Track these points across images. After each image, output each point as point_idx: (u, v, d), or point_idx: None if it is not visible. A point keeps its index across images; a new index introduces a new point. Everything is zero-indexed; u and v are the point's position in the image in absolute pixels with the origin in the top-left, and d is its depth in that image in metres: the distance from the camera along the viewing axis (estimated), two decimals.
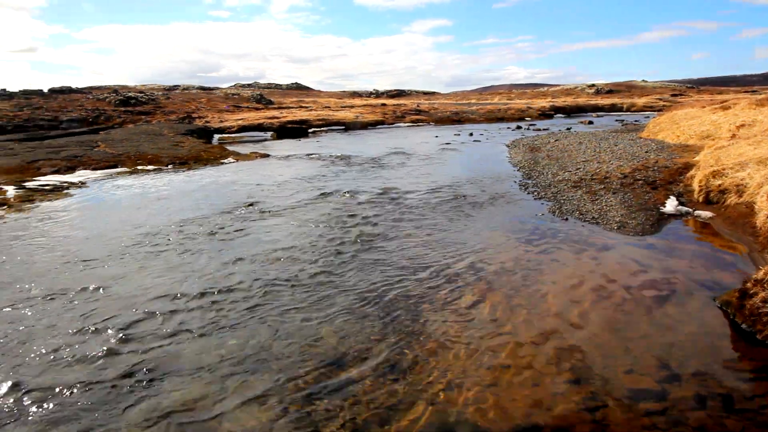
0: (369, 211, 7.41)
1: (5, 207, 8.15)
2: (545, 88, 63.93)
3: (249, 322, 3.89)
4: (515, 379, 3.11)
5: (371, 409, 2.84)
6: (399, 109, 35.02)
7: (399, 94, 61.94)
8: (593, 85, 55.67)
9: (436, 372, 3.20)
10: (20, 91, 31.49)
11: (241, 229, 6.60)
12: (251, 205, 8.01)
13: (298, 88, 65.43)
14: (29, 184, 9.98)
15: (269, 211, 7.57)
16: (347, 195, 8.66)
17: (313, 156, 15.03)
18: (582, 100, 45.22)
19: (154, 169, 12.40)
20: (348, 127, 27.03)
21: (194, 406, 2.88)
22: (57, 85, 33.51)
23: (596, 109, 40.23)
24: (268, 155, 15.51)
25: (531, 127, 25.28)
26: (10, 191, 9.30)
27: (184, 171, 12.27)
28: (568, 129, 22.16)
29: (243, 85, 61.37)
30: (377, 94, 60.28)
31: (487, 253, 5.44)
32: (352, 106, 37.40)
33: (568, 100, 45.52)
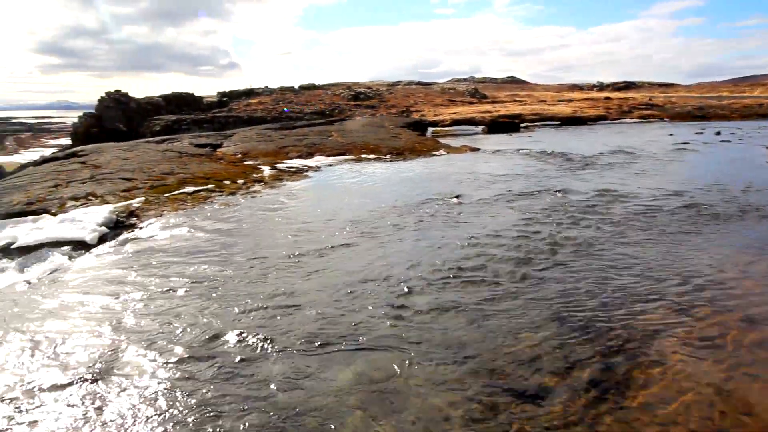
0: (581, 213, 6.89)
1: (262, 183, 9.98)
2: None
3: (445, 312, 4.01)
4: None
5: (567, 424, 2.67)
6: (626, 103, 31.50)
7: (627, 86, 55.67)
8: None
9: (653, 405, 2.82)
10: (278, 87, 37.91)
11: (447, 218, 6.82)
12: (458, 196, 8.21)
13: (512, 82, 64.18)
14: (279, 166, 11.99)
15: (475, 204, 7.65)
16: (558, 194, 8.21)
17: (524, 151, 14.61)
18: None
19: (375, 158, 13.64)
20: (564, 122, 25.46)
21: (386, 378, 3.11)
22: (305, 82, 39.35)
23: None
24: (477, 149, 15.64)
25: None
26: (266, 171, 11.33)
27: (399, 161, 13.22)
28: None
29: (458, 80, 62.90)
30: (601, 87, 55.25)
31: (731, 277, 4.55)
32: (570, 100, 35.06)
33: None
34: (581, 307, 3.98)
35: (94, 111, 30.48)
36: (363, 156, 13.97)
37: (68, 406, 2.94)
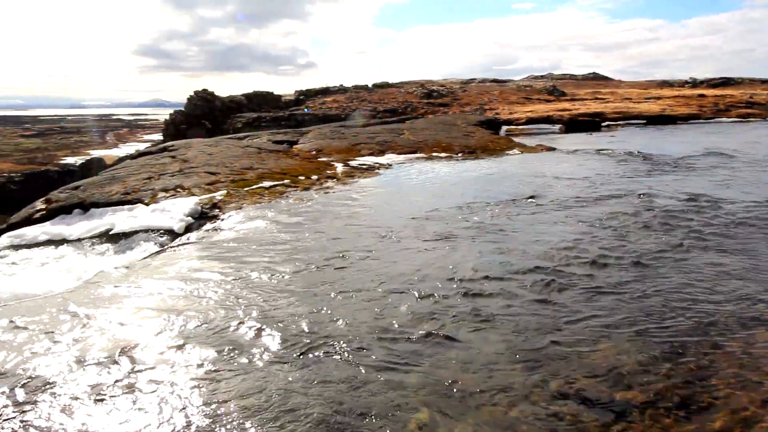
0: (668, 220, 6.43)
1: (335, 180, 10.23)
2: None
3: (521, 314, 3.90)
4: None
5: None
6: (722, 101, 29.02)
7: (724, 83, 51.08)
8: None
9: (737, 426, 2.59)
10: (353, 86, 38.60)
11: (519, 220, 6.63)
12: (531, 197, 7.96)
13: (594, 78, 61.08)
14: (352, 163, 12.22)
15: (549, 206, 7.37)
16: (641, 197, 7.71)
17: (605, 152, 13.87)
18: None
19: (446, 156, 13.54)
20: (650, 121, 23.89)
21: (457, 382, 3.08)
22: (379, 80, 39.78)
23: None
24: (554, 149, 15.07)
25: None
26: (339, 167, 11.60)
27: (471, 160, 13.03)
28: None
29: (536, 77, 60.80)
30: (694, 84, 51.17)
31: None
32: (658, 98, 32.84)
33: None
34: (667, 322, 3.72)
35: (183, 109, 32.70)
36: (434, 154, 13.91)
37: (180, 374, 3.18)
